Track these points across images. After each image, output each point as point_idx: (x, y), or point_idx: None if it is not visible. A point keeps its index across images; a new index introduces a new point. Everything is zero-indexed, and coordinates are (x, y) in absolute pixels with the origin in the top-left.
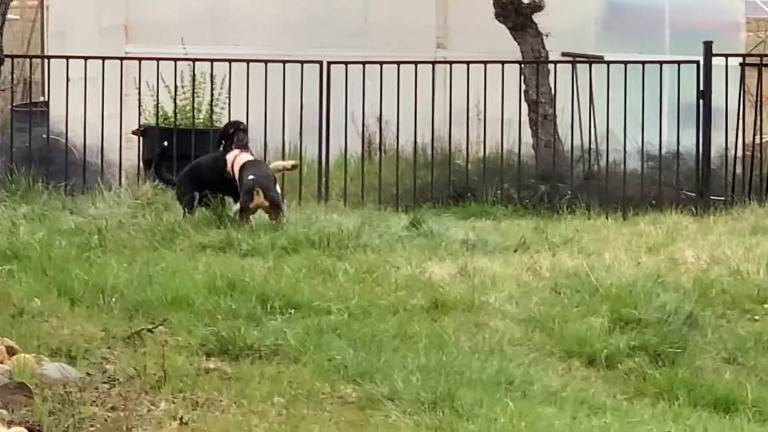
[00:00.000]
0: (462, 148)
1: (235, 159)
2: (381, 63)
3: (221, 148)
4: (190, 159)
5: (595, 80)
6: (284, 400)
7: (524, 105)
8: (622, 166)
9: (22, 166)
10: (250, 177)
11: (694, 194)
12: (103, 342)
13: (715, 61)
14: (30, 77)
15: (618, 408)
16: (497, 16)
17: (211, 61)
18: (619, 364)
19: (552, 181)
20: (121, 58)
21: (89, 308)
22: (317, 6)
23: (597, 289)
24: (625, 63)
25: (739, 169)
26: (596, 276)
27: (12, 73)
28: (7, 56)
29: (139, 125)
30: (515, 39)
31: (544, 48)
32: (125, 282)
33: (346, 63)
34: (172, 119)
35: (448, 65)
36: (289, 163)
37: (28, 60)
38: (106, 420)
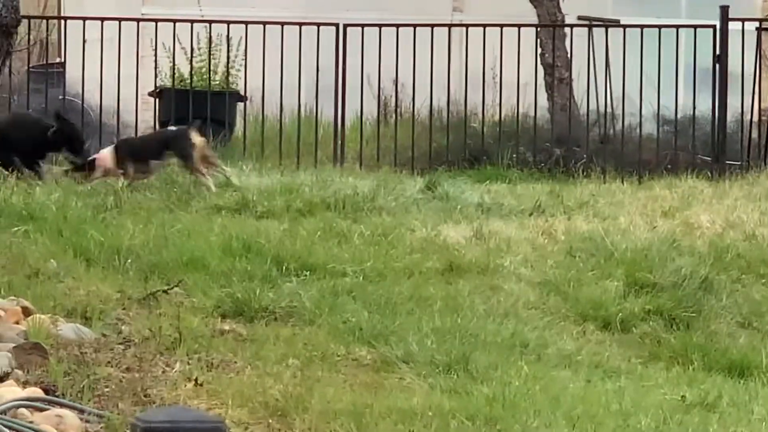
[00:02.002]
0: (478, 111)
1: None
2: (397, 26)
3: None
4: (206, 122)
5: (611, 44)
6: (299, 362)
7: (540, 68)
8: (638, 130)
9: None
10: None
11: (709, 159)
12: (119, 303)
13: (731, 25)
14: (47, 38)
15: (632, 372)
16: None
17: (228, 23)
18: (633, 328)
19: (567, 145)
20: (138, 20)
21: (105, 269)
22: None
23: (612, 253)
24: (642, 27)
25: (754, 134)
26: (611, 240)
27: (28, 34)
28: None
29: (155, 87)
30: (531, 2)
31: (560, 11)
32: (141, 243)
33: (363, 25)
34: (188, 81)
35: (464, 28)
36: None
37: (44, 21)
38: (121, 381)
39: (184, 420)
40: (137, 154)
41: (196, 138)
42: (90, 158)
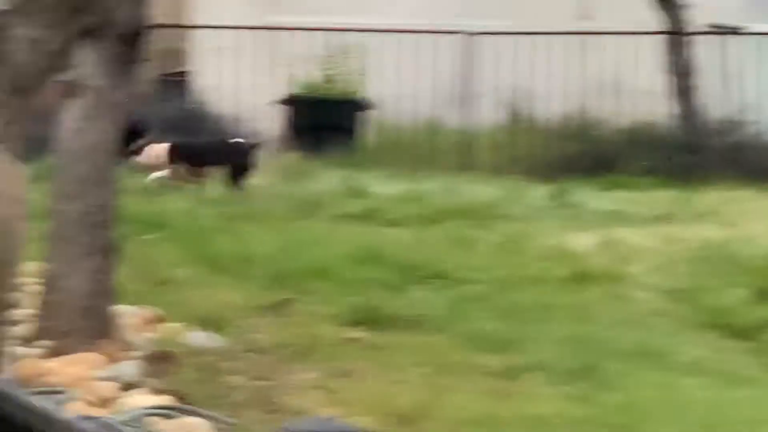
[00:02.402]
0: (605, 118)
1: None
2: (525, 33)
3: None
4: (334, 130)
5: (739, 51)
6: (428, 370)
7: (667, 76)
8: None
9: (169, 136)
10: None
11: None
12: (248, 311)
13: None
14: (177, 46)
15: (762, 380)
16: None
17: (355, 31)
18: (762, 336)
19: (695, 152)
20: (266, 28)
21: (235, 277)
22: None
23: (739, 260)
24: None
25: None
26: (738, 247)
27: (157, 43)
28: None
29: (283, 95)
30: (658, 10)
31: (687, 19)
32: (270, 252)
33: (490, 34)
34: (316, 89)
35: (591, 36)
36: None
37: (173, 29)
38: (251, 389)
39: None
40: (194, 157)
41: (256, 152)
42: (142, 143)
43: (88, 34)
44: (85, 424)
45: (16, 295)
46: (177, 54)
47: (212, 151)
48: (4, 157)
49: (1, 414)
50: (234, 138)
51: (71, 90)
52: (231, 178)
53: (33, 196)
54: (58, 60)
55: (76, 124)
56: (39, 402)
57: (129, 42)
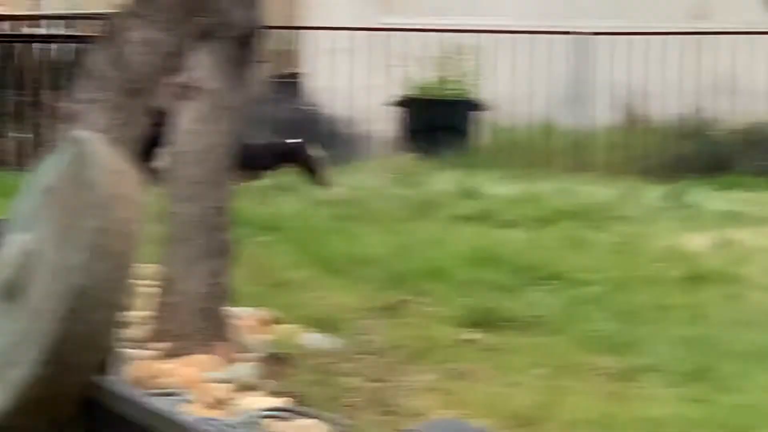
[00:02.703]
0: (722, 119)
1: None
2: (639, 34)
3: None
4: (448, 131)
5: None
6: (545, 371)
7: None
8: None
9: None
10: None
11: None
12: (364, 312)
13: None
14: (288, 48)
15: None
16: None
17: (469, 32)
18: None
19: None
20: (380, 29)
21: (349, 279)
22: None
23: None
24: None
25: None
26: None
27: (270, 44)
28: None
29: (397, 96)
30: None
31: None
32: (385, 253)
33: (605, 34)
34: (429, 90)
35: (706, 36)
36: None
37: (286, 31)
38: (368, 391)
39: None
40: (250, 159)
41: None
42: None
43: (203, 35)
44: (204, 426)
45: (130, 298)
46: (290, 55)
47: (270, 153)
48: (119, 159)
49: (122, 415)
50: (288, 138)
51: (186, 92)
52: (307, 178)
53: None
54: (173, 62)
55: (190, 126)
56: (159, 404)
57: (243, 44)
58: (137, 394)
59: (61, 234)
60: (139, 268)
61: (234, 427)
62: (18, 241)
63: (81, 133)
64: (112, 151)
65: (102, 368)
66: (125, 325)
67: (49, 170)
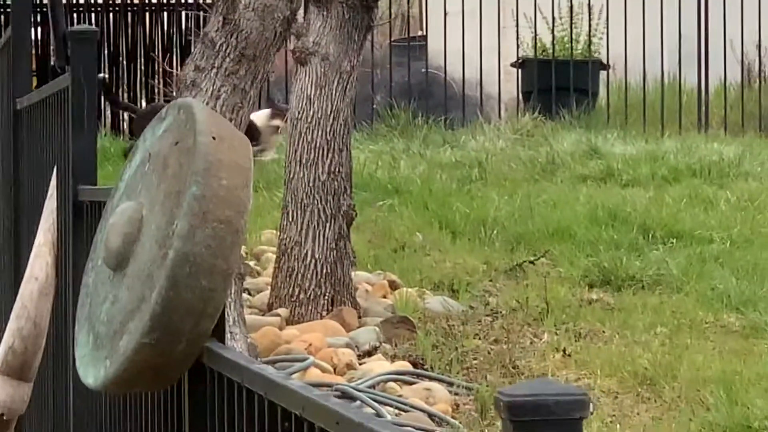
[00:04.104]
0: None
1: None
2: None
3: None
4: (569, 91)
5: None
6: (667, 330)
7: None
8: None
9: (401, 101)
10: None
11: None
12: (485, 275)
13: None
14: (408, 11)
15: None
16: None
17: None
18: None
19: None
20: None
21: (470, 241)
22: None
23: None
24: None
25: None
26: None
27: (390, 8)
28: None
29: (518, 57)
30: None
31: None
32: (506, 214)
33: None
34: (550, 51)
35: None
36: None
37: None
38: (488, 353)
39: (548, 393)
40: None
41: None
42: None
43: (318, 1)
44: (313, 392)
45: (244, 265)
46: (414, 18)
47: None
48: (225, 125)
49: (233, 382)
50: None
51: (303, 58)
52: None
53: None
54: (287, 27)
55: (307, 92)
56: (269, 371)
57: (359, 8)
58: (248, 360)
59: (166, 201)
60: (261, 235)
61: (354, 392)
62: (125, 208)
63: (185, 99)
64: (217, 117)
65: (213, 334)
66: (242, 292)
67: (154, 137)
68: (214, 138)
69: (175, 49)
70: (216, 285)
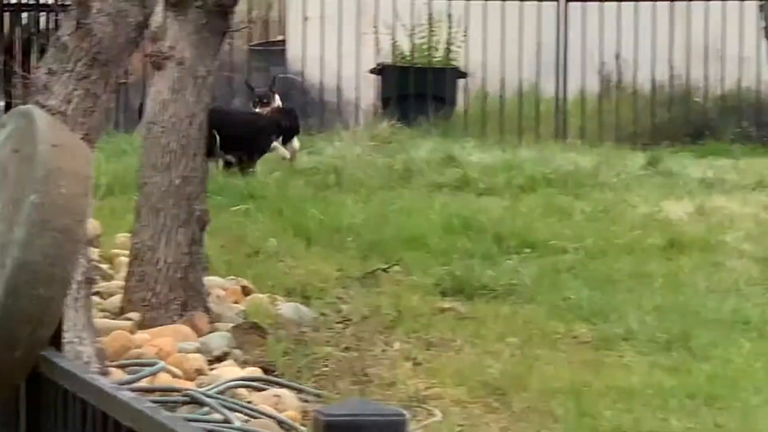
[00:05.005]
0: (700, 85)
1: None
2: (619, 1)
3: None
4: (425, 98)
5: None
6: (518, 340)
7: (763, 42)
8: None
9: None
10: None
11: None
12: (338, 282)
13: None
14: (267, 16)
15: None
16: None
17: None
18: None
19: None
20: None
21: (325, 248)
22: None
23: None
24: None
25: None
26: None
27: (249, 13)
28: None
29: (376, 64)
30: None
31: None
32: (361, 222)
33: (584, 1)
34: (409, 58)
35: (685, 2)
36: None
37: None
38: (340, 360)
39: (367, 413)
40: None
41: None
42: None
43: (175, 5)
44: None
45: (96, 268)
46: (273, 24)
47: None
48: (65, 133)
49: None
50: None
51: (158, 62)
52: None
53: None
54: (140, 32)
55: (162, 96)
56: (102, 381)
57: (215, 13)
58: (83, 369)
59: (6, 209)
60: (114, 239)
61: (204, 397)
62: None
63: (27, 107)
64: (58, 125)
65: (50, 343)
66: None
67: None
68: (54, 146)
69: (34, 53)
70: (54, 293)
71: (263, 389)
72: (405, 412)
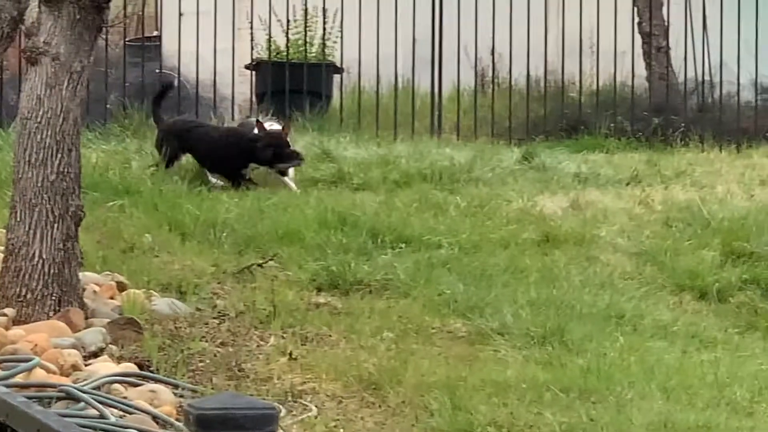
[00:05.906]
0: (575, 80)
1: None
2: None
3: None
4: (302, 94)
5: (709, 11)
6: (394, 335)
7: (638, 37)
8: (736, 98)
9: (135, 101)
10: None
11: None
12: (213, 277)
13: None
14: (143, 11)
15: (729, 342)
16: None
17: None
18: (730, 298)
19: (665, 114)
20: None
21: (200, 243)
22: None
23: (709, 222)
24: None
25: None
26: (708, 209)
27: (124, 8)
28: None
29: (252, 60)
30: None
31: None
32: (236, 217)
33: None
34: (284, 53)
35: None
36: None
37: None
38: (215, 355)
39: (237, 407)
40: None
41: None
42: None
43: (49, 1)
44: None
45: None
46: (143, 19)
47: None
48: None
49: None
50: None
51: (33, 58)
52: None
53: None
54: (14, 27)
55: (37, 91)
56: None
57: (90, 9)
58: None
59: None
60: None
61: (78, 393)
62: None
63: None
64: None
65: None
66: None
67: None
68: None
69: None
70: None
71: (139, 385)
72: (277, 405)
